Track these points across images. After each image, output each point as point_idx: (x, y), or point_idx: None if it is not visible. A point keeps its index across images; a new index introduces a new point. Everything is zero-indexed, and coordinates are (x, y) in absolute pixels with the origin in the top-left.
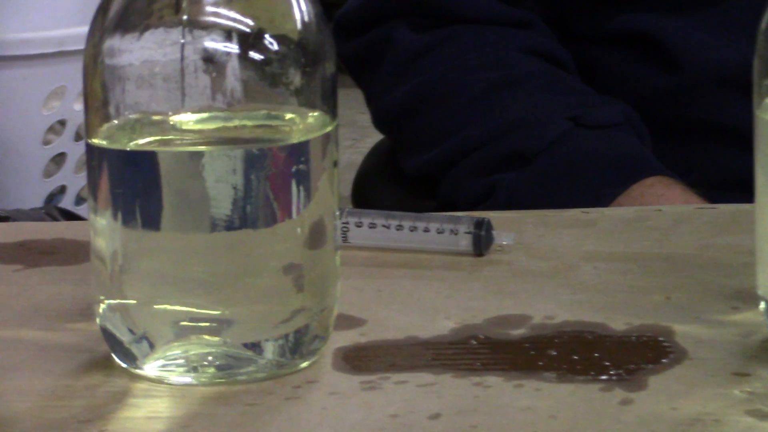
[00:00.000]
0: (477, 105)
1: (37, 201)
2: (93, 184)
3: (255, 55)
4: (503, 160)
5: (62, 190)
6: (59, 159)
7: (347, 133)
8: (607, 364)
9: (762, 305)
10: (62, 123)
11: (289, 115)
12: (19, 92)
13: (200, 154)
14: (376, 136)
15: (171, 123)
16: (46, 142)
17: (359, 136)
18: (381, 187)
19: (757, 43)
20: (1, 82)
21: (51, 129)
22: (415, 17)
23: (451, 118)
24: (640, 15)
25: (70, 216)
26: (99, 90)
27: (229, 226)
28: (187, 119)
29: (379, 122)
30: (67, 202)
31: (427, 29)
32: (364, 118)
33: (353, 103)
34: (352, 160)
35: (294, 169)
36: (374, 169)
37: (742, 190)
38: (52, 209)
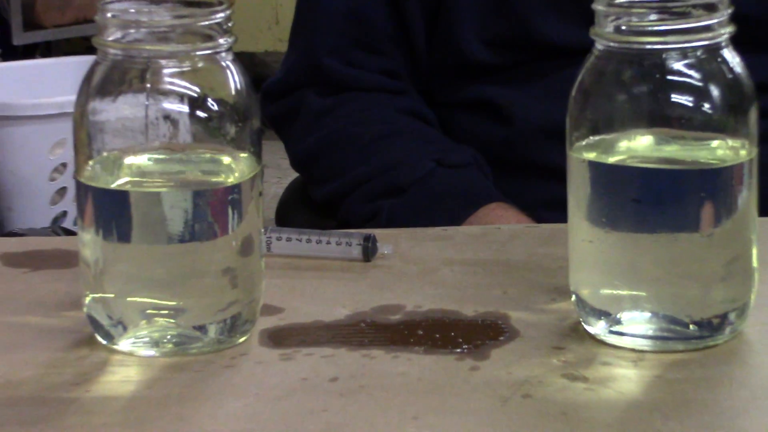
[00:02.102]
0: (365, 150)
1: (45, 222)
2: (81, 209)
3: (201, 114)
4: (384, 191)
5: (64, 214)
6: (62, 191)
7: (273, 173)
8: (460, 340)
9: (573, 297)
10: (64, 165)
11: (226, 158)
12: (32, 142)
13: (160, 191)
14: (293, 175)
15: (138, 165)
16: (52, 179)
17: (282, 175)
18: (296, 211)
19: (569, 107)
20: (20, 135)
21: (56, 170)
22: (320, 87)
23: (347, 160)
24: (485, 87)
25: (69, 233)
26: (85, 140)
27: (182, 240)
28: (150, 162)
29: (295, 164)
30: (67, 223)
31: (329, 95)
32: (285, 162)
33: (278, 151)
34: (277, 192)
35: (230, 198)
36: (292, 198)
37: (560, 209)
38: (56, 228)
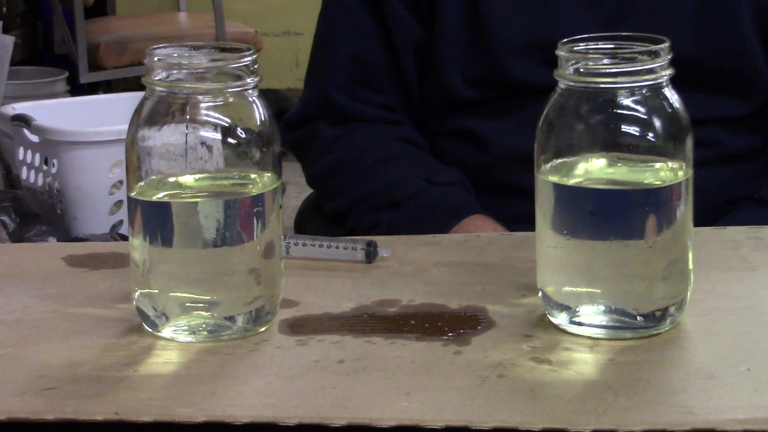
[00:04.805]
0: (368, 171)
1: (104, 229)
2: (131, 219)
3: (231, 141)
4: (384, 205)
5: (120, 222)
6: (118, 204)
7: (293, 189)
8: (446, 329)
9: (540, 294)
10: (120, 182)
11: (252, 176)
12: (94, 163)
13: (197, 202)
14: (309, 191)
15: (179, 182)
16: (110, 194)
17: (300, 191)
18: (312, 221)
19: (536, 136)
20: (84, 157)
21: (114, 186)
22: (330, 118)
23: (353, 180)
24: (466, 119)
25: (125, 239)
26: (135, 162)
27: (215, 245)
28: (189, 179)
29: (310, 182)
30: (123, 230)
31: (337, 126)
32: (303, 180)
33: (296, 171)
34: (296, 205)
35: (255, 210)
36: (308, 210)
37: (530, 222)
38: (114, 234)
